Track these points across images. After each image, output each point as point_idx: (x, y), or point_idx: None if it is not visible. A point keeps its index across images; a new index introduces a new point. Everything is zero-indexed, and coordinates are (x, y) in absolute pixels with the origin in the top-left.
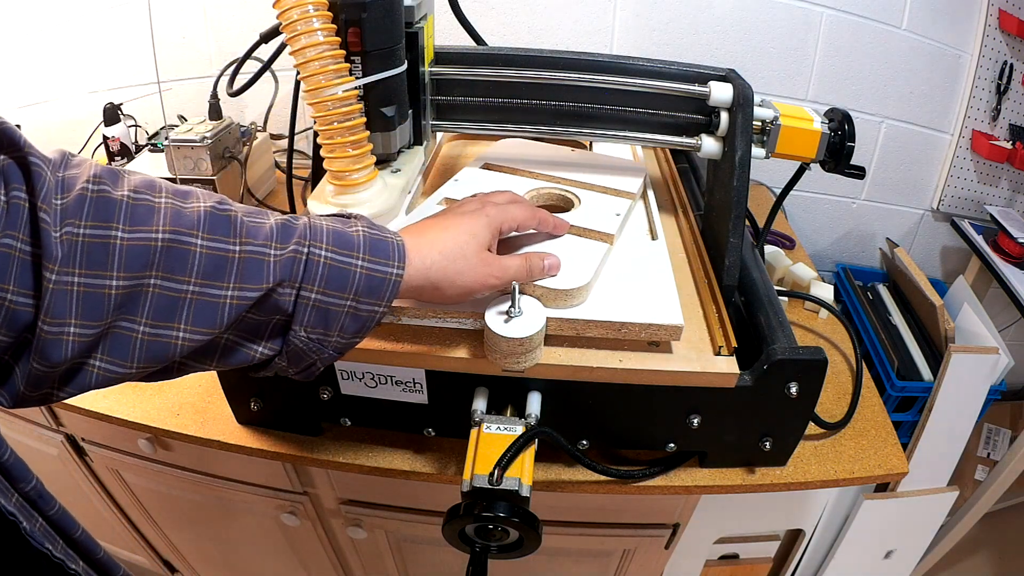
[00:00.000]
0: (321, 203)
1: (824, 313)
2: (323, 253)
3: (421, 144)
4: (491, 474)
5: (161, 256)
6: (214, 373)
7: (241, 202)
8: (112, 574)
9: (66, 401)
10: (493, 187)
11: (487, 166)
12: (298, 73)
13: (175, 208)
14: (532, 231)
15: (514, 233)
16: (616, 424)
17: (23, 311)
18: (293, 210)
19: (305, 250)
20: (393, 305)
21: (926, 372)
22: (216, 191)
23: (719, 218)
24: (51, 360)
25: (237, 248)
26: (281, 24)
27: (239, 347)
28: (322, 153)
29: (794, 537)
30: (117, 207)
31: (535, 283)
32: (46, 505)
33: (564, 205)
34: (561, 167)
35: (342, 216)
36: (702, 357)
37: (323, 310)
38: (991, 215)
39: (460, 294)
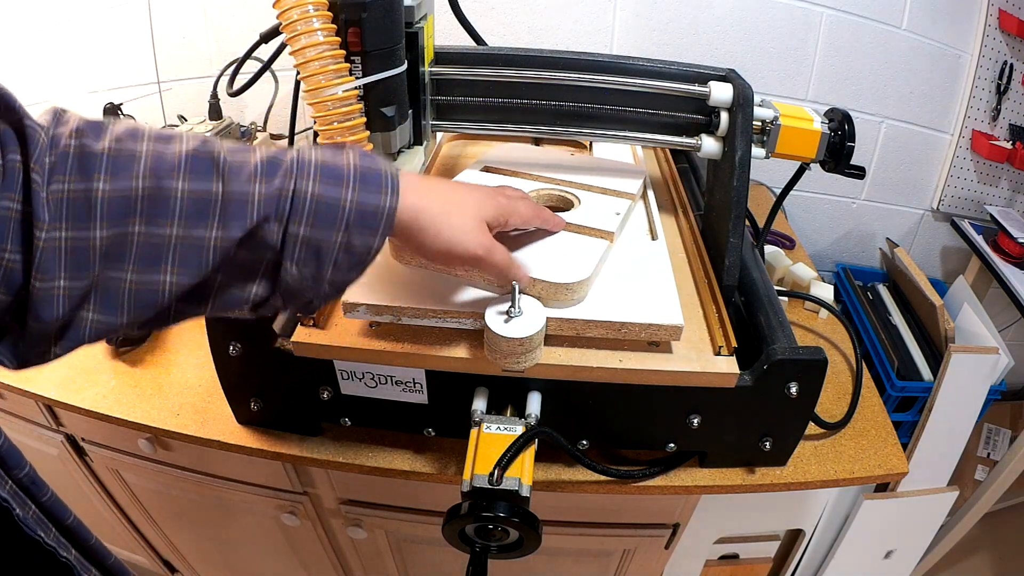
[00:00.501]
0: None
1: (824, 313)
2: (309, 187)
3: (421, 144)
4: (491, 474)
5: (143, 203)
6: (213, 372)
7: None
8: (103, 560)
9: (66, 401)
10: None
11: (487, 169)
12: (298, 73)
13: (156, 153)
14: (532, 228)
15: (515, 231)
16: (616, 424)
17: (20, 269)
18: None
19: (291, 185)
20: (393, 305)
21: (926, 372)
22: None
23: (719, 218)
24: (44, 317)
25: (219, 188)
26: (281, 24)
27: (232, 289)
28: None
29: (794, 537)
30: (98, 159)
31: (535, 278)
32: (39, 492)
33: (564, 206)
34: (560, 170)
35: (337, 146)
36: (702, 357)
37: (313, 246)
38: (991, 215)
39: (443, 249)
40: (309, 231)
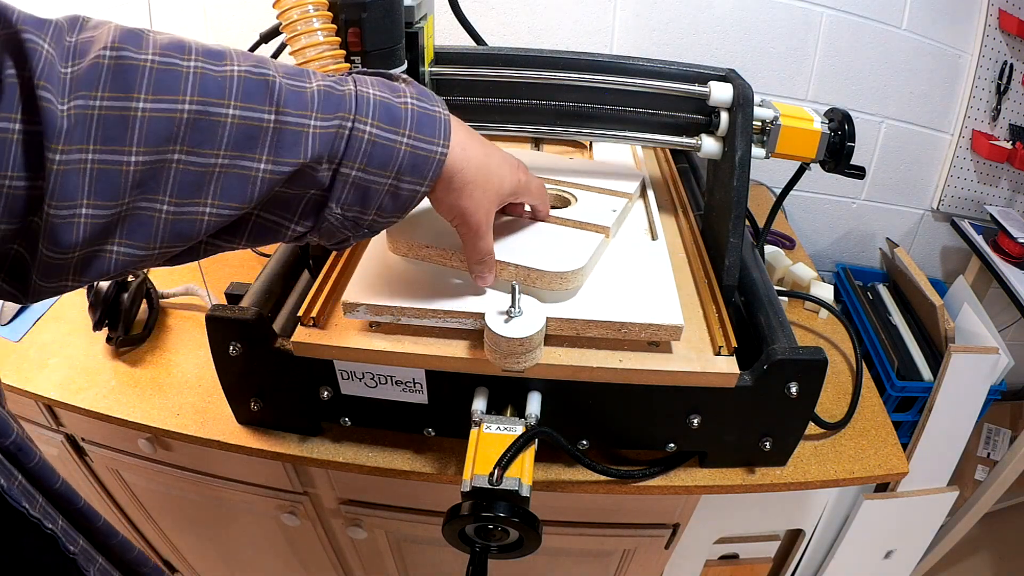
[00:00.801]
0: None
1: (824, 313)
2: (368, 129)
3: None
4: (491, 474)
5: (187, 129)
6: (213, 373)
7: None
8: (92, 522)
9: (66, 401)
10: None
11: None
12: None
13: (204, 72)
14: (523, 216)
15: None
16: (616, 424)
17: (24, 195)
18: None
19: (349, 125)
20: (393, 305)
21: (926, 372)
22: None
23: (719, 218)
24: (62, 245)
25: (272, 117)
26: (281, 24)
27: (271, 225)
28: None
29: (794, 537)
30: (139, 74)
31: (529, 267)
32: (27, 458)
33: (561, 204)
34: (559, 172)
35: (388, 77)
36: (702, 357)
37: (362, 188)
38: (991, 215)
39: (458, 212)
40: (361, 173)
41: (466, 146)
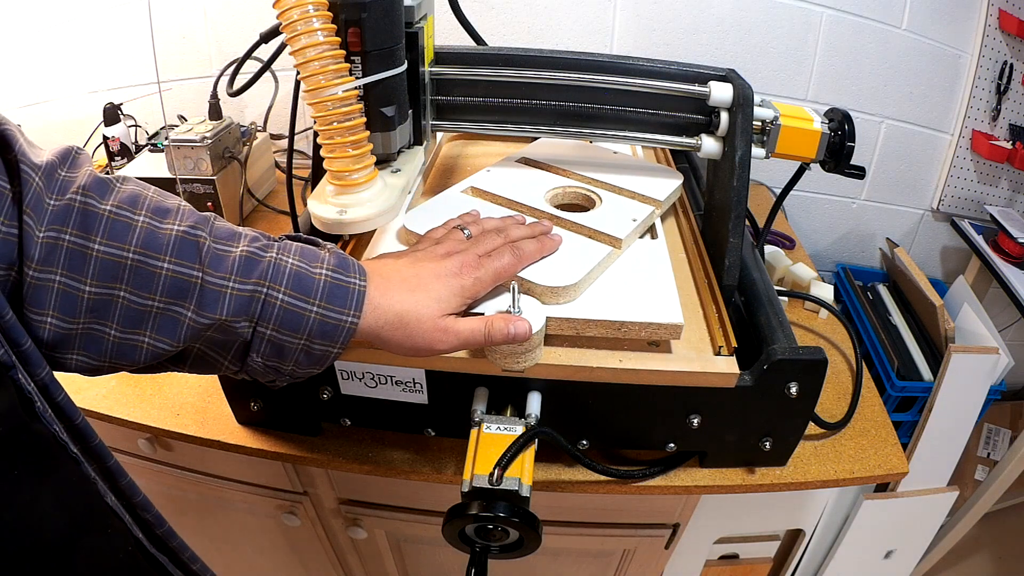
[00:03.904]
0: (321, 203)
1: (824, 313)
2: (280, 296)
3: (421, 144)
4: (491, 474)
5: (130, 273)
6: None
7: (241, 203)
8: (105, 460)
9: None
10: (523, 183)
11: (524, 161)
12: (298, 73)
13: (150, 228)
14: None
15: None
16: (616, 424)
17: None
18: (293, 211)
19: (264, 291)
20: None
21: (926, 372)
22: (216, 191)
23: (719, 218)
24: (35, 334)
25: (199, 275)
26: (281, 24)
27: (209, 360)
28: (322, 153)
29: (794, 537)
30: (98, 220)
31: (523, 277)
32: (55, 391)
33: (586, 204)
34: (595, 168)
35: (314, 244)
36: (702, 357)
37: (278, 345)
38: (991, 215)
39: (407, 353)
40: (275, 333)
41: (382, 303)
